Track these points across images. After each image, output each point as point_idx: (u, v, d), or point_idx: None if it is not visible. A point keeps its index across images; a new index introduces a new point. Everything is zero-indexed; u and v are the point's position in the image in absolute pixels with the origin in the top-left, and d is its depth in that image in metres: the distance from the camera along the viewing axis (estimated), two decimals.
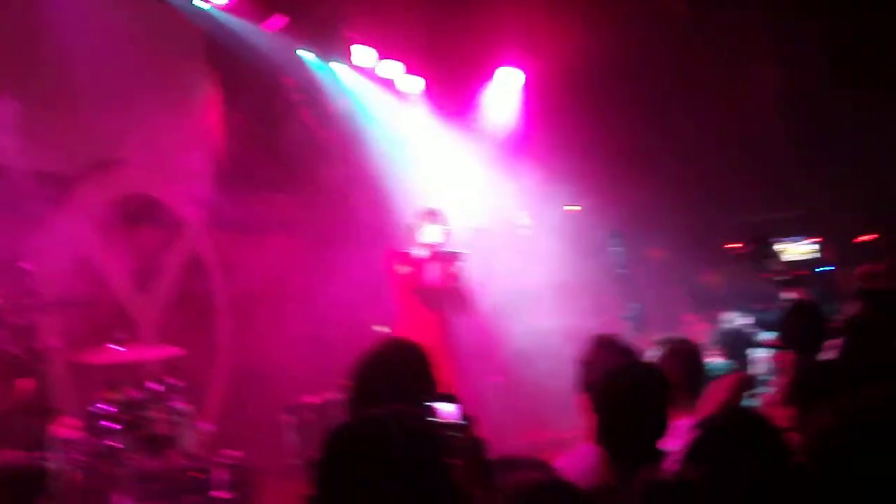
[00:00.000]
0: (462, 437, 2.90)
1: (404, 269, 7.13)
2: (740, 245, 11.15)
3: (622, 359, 3.91)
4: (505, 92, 11.71)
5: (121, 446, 5.35)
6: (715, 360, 6.28)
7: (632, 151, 11.76)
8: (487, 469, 3.01)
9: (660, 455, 3.18)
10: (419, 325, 6.82)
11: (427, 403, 3.02)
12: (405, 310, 7.15)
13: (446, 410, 2.93)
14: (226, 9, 8.93)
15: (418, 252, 7.23)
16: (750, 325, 6.79)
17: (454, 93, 11.17)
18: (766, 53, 11.72)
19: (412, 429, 2.29)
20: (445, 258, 7.27)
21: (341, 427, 2.34)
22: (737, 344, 6.63)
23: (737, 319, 6.82)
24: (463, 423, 2.91)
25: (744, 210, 12.64)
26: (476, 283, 7.60)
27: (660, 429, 3.25)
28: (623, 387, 3.29)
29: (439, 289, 7.22)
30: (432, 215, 7.37)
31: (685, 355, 4.35)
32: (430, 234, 7.27)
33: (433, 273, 7.19)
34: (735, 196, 12.35)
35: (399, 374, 3.18)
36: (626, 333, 6.62)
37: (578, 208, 11.81)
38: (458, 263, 7.25)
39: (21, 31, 7.43)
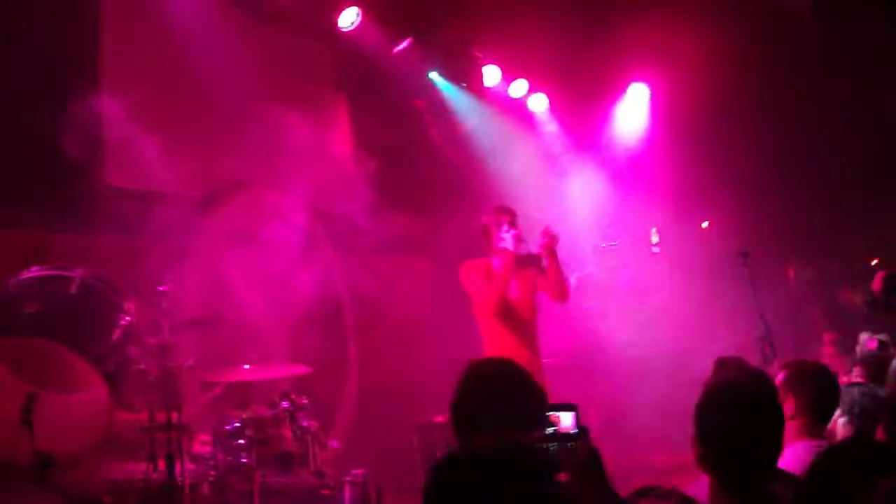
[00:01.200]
0: (578, 446, 2.85)
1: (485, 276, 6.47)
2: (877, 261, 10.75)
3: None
4: (634, 108, 11.60)
5: (250, 463, 5.45)
6: (854, 384, 6.04)
7: (763, 167, 11.46)
8: (603, 478, 2.94)
9: (768, 477, 3.01)
10: (489, 343, 6.42)
11: (544, 413, 2.99)
12: (482, 325, 6.56)
13: (564, 420, 2.89)
14: (355, 33, 9.06)
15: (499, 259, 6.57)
16: (883, 347, 6.49)
17: (581, 110, 11.10)
18: None
19: (517, 462, 2.26)
20: (528, 263, 6.62)
21: (444, 461, 2.34)
22: (879, 366, 6.35)
23: (878, 340, 6.52)
24: (579, 432, 2.86)
25: (884, 225, 12.16)
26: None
27: (768, 450, 3.04)
28: (724, 405, 3.05)
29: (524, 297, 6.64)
30: (508, 217, 6.62)
31: (813, 378, 4.19)
32: (509, 240, 6.45)
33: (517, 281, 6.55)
34: (875, 211, 11.90)
35: (493, 395, 3.12)
36: (758, 354, 6.42)
37: (706, 225, 11.59)
38: (539, 268, 6.62)
39: (162, 61, 7.71)
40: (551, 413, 2.94)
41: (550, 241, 6.52)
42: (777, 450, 3.09)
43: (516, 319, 6.52)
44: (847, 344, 9.24)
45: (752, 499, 2.94)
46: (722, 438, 2.97)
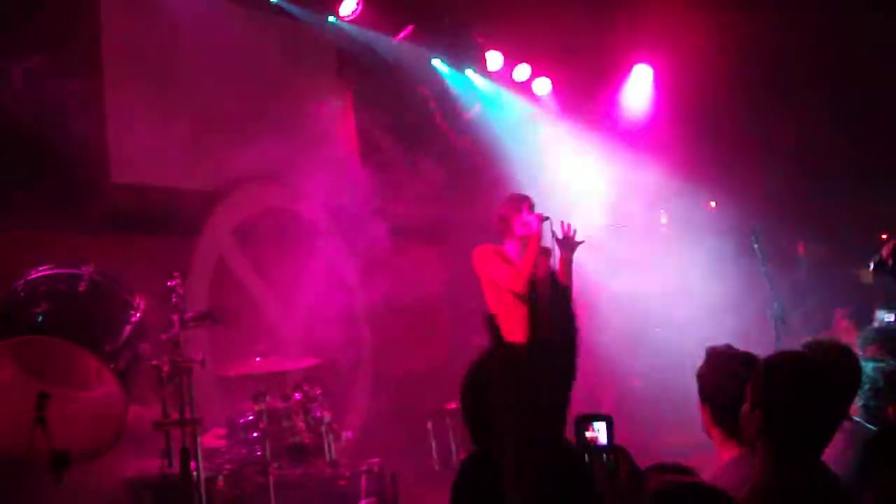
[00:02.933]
0: (615, 461, 2.80)
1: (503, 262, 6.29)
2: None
3: (744, 370, 3.72)
4: (639, 90, 11.55)
5: (265, 455, 5.45)
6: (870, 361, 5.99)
7: (770, 145, 11.41)
8: (640, 490, 2.90)
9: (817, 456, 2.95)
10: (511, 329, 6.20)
11: (584, 422, 2.95)
12: (499, 311, 6.35)
13: (598, 430, 2.83)
14: (355, 21, 9.02)
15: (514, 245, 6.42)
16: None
17: (585, 92, 11.06)
18: None
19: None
20: (546, 250, 6.42)
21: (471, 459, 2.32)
22: (891, 343, 6.30)
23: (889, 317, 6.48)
24: (613, 446, 2.80)
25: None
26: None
27: (829, 425, 2.97)
28: (800, 374, 2.97)
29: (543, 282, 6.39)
30: (527, 203, 6.45)
31: (835, 359, 4.12)
32: (526, 225, 6.30)
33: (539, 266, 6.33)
34: (886, 186, 11.84)
35: (506, 382, 3.07)
36: (771, 332, 6.37)
37: (715, 205, 11.55)
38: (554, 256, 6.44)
39: (164, 56, 7.70)
40: (585, 422, 2.88)
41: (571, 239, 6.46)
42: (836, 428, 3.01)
43: (531, 303, 6.34)
44: (860, 317, 9.21)
45: (808, 470, 2.89)
46: (788, 409, 2.92)
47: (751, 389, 3.02)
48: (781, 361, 3.05)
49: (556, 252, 6.44)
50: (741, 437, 3.26)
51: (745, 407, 3.03)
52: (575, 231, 6.46)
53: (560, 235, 6.43)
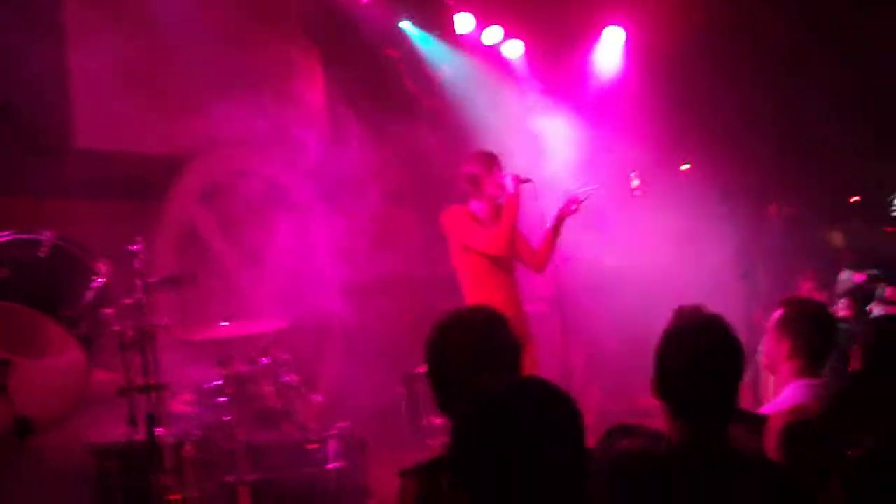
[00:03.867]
0: None
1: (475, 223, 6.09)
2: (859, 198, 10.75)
3: None
4: (610, 51, 11.49)
5: (233, 420, 5.41)
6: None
7: (742, 107, 11.40)
8: None
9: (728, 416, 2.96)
10: (478, 293, 6.03)
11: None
12: (469, 276, 6.18)
13: None
14: None
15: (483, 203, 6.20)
16: (873, 280, 6.50)
17: (556, 55, 10.99)
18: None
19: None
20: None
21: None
22: (860, 302, 6.36)
23: (857, 276, 6.54)
24: None
25: (866, 159, 12.13)
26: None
27: (724, 388, 2.96)
28: (679, 343, 3.00)
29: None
30: (497, 162, 6.21)
31: (811, 318, 4.11)
32: (501, 186, 6.08)
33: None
34: (857, 148, 11.87)
35: (467, 344, 2.95)
36: (741, 291, 6.40)
37: (688, 166, 11.55)
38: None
39: (128, 18, 7.58)
40: None
41: (571, 211, 6.30)
42: (729, 397, 2.99)
43: (506, 266, 6.22)
44: (824, 280, 9.27)
45: (707, 435, 2.89)
46: (677, 374, 2.96)
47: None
48: (673, 328, 3.07)
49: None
50: None
51: None
52: (577, 200, 6.27)
53: (565, 209, 6.26)
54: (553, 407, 2.20)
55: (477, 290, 6.12)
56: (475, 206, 6.21)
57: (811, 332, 4.04)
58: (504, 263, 6.19)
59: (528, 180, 6.12)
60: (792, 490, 2.81)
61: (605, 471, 2.64)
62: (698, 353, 2.94)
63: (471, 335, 2.98)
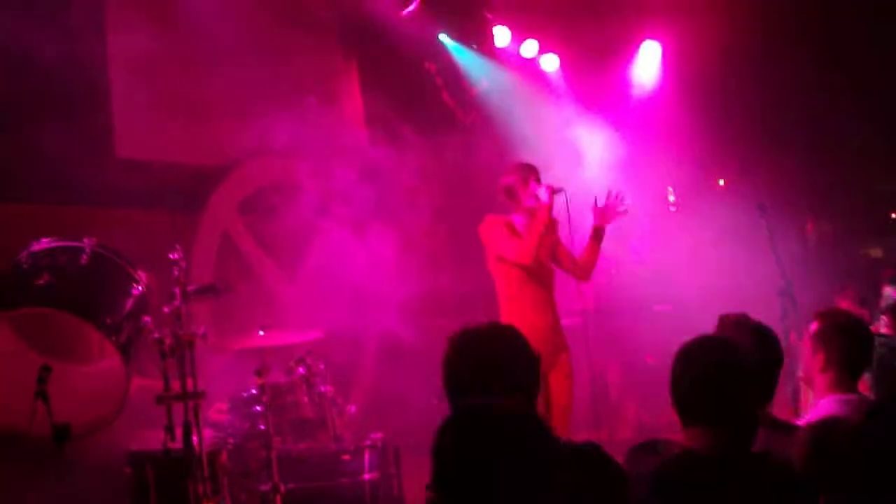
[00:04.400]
0: None
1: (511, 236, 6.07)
2: None
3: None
4: (647, 66, 11.47)
5: (267, 430, 5.42)
6: (879, 335, 5.96)
7: (778, 122, 11.35)
8: None
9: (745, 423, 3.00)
10: (511, 304, 6.07)
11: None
12: (502, 285, 6.19)
13: None
14: None
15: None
16: None
17: (593, 69, 10.99)
18: None
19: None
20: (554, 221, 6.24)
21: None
22: None
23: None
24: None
25: None
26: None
27: (738, 402, 2.99)
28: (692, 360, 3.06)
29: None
30: (535, 174, 6.19)
31: (846, 331, 4.07)
32: (535, 196, 6.05)
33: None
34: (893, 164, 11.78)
35: (490, 363, 2.98)
36: (779, 308, 6.32)
37: (723, 183, 11.49)
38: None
39: (171, 30, 7.64)
40: None
41: (609, 219, 6.28)
42: (743, 408, 3.02)
43: (542, 278, 6.19)
44: (864, 297, 9.17)
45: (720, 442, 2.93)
46: (684, 385, 3.04)
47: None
48: (693, 341, 3.13)
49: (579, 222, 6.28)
50: None
51: None
52: (621, 200, 6.25)
53: (601, 203, 6.24)
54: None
55: (511, 300, 6.13)
56: (516, 218, 6.20)
57: (845, 344, 3.99)
58: (539, 274, 6.17)
59: (560, 190, 6.11)
60: (803, 495, 2.84)
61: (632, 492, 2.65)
62: (708, 365, 3.01)
63: (481, 353, 2.99)
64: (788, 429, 3.56)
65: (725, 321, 3.78)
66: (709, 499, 2.80)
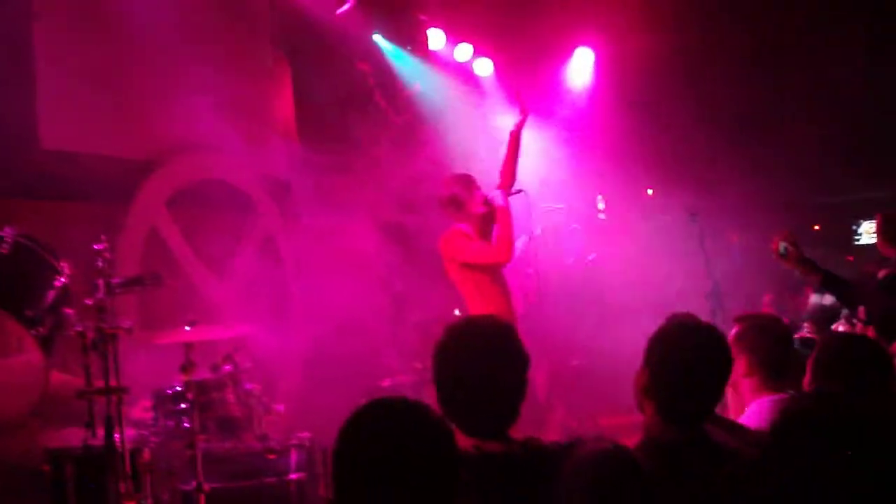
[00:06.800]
0: None
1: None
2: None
3: None
4: (579, 72, 11.57)
5: (192, 427, 5.32)
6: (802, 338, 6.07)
7: (708, 133, 11.52)
8: None
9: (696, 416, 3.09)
10: (487, 306, 6.27)
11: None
12: (472, 290, 6.48)
13: None
14: None
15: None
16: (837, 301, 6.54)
17: (526, 74, 11.04)
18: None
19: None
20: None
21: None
22: (825, 321, 6.38)
23: (826, 298, 6.57)
24: None
25: (830, 190, 12.29)
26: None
27: (711, 390, 3.12)
28: (678, 337, 3.13)
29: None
30: (474, 180, 6.62)
31: (767, 332, 4.10)
32: (488, 202, 6.46)
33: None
34: (823, 175, 12.01)
35: (484, 355, 2.97)
36: (706, 312, 6.42)
37: (651, 192, 11.63)
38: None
39: (97, 19, 7.50)
40: None
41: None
42: (716, 396, 3.17)
43: (500, 275, 6.57)
44: (783, 304, 9.33)
45: (690, 435, 3.00)
46: (671, 368, 3.06)
47: (646, 350, 3.15)
48: (675, 327, 3.19)
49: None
50: None
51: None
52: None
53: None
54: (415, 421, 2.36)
55: (481, 300, 6.40)
56: (464, 225, 6.52)
57: (767, 346, 4.02)
58: (499, 273, 6.54)
59: (519, 191, 6.62)
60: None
61: (578, 470, 2.63)
62: (696, 348, 3.07)
63: (482, 344, 2.98)
64: (731, 424, 3.60)
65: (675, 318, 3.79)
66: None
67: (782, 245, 4.88)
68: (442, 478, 2.31)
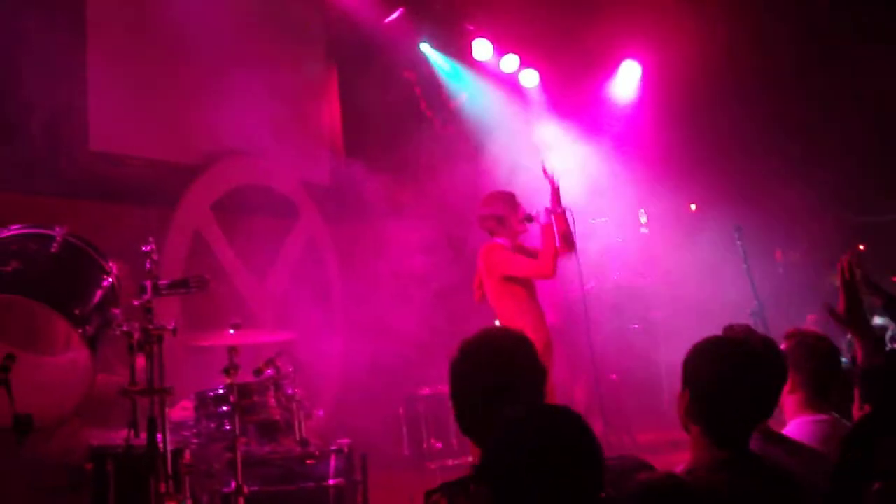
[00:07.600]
0: None
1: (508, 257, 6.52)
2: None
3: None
4: (626, 85, 11.52)
5: (233, 430, 5.34)
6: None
7: (753, 148, 11.41)
8: None
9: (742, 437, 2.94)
10: (523, 319, 6.31)
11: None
12: (509, 303, 6.56)
13: None
14: (346, 1, 8.93)
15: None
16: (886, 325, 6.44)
17: (572, 86, 11.02)
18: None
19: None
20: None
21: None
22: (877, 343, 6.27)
23: (876, 320, 6.46)
24: None
25: (877, 209, 12.13)
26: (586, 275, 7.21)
27: (751, 406, 2.94)
28: (721, 354, 2.96)
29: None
30: (516, 198, 6.72)
31: (818, 351, 4.05)
32: (543, 214, 6.50)
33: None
34: (869, 193, 11.86)
35: (501, 367, 2.94)
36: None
37: (694, 207, 11.54)
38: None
39: (150, 25, 7.58)
40: None
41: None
42: (768, 408, 3.02)
43: (536, 292, 6.65)
44: (828, 323, 9.18)
45: (739, 456, 2.86)
46: (713, 387, 2.90)
47: (682, 370, 3.00)
48: (708, 343, 3.01)
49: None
50: None
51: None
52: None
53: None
54: (575, 432, 2.37)
55: (518, 314, 6.42)
56: (501, 240, 6.61)
57: (813, 365, 3.96)
58: (535, 289, 6.62)
59: (564, 210, 6.59)
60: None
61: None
62: (735, 363, 2.93)
63: (497, 358, 2.96)
64: (781, 440, 3.55)
65: (732, 330, 3.73)
66: None
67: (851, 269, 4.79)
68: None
